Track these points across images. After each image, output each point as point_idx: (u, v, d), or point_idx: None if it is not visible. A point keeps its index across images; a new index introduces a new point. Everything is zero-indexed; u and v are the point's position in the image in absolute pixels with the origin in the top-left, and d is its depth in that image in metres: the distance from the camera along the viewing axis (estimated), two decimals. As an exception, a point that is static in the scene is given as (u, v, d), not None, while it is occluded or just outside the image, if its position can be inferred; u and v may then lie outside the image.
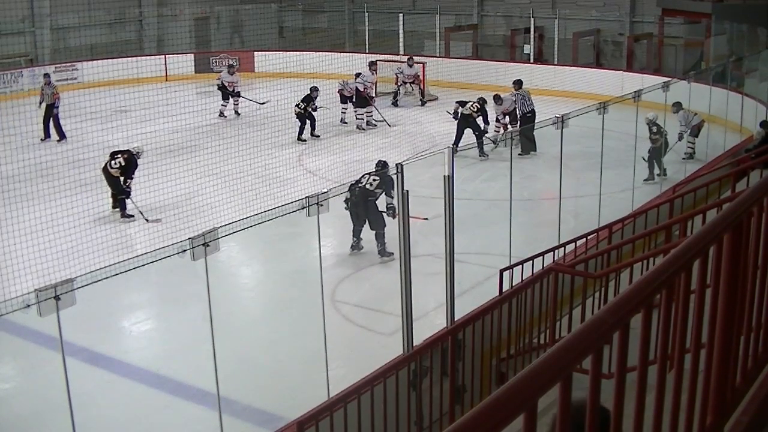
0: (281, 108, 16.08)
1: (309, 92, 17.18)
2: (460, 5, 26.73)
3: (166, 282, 9.47)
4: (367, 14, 25.70)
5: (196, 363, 7.20)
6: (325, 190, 6.22)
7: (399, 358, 6.39)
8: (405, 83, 20.99)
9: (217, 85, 19.67)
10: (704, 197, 7.99)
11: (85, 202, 11.54)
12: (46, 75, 18.35)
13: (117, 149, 12.84)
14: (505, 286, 7.30)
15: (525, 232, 10.21)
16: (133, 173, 12.32)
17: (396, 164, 6.57)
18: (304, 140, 17.11)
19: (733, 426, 2.50)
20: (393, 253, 9.91)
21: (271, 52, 24.50)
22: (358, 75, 18.65)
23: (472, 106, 15.64)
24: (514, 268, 7.41)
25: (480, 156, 15.11)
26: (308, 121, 17.19)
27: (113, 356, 8.34)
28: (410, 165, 7.56)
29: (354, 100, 18.43)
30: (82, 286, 4.89)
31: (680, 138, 14.72)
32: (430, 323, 7.71)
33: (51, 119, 17.25)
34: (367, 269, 10.48)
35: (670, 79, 12.52)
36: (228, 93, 19.47)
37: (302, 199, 6.04)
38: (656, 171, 13.30)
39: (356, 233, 10.75)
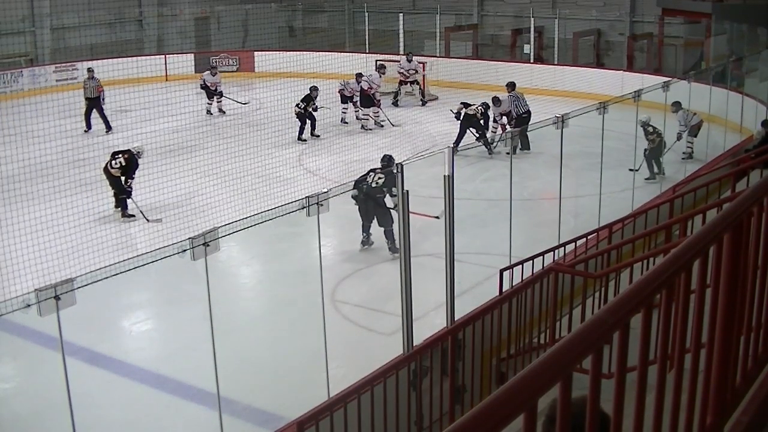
0: (281, 108, 16.08)
1: (309, 92, 17.19)
2: (460, 5, 26.73)
3: (166, 282, 9.46)
4: (367, 14, 25.70)
5: (196, 363, 7.19)
6: (325, 190, 6.22)
7: (399, 358, 6.39)
8: (405, 82, 20.97)
9: (200, 84, 19.94)
10: (704, 197, 7.99)
11: (85, 202, 11.54)
12: (90, 69, 18.75)
13: (117, 149, 12.85)
14: (505, 286, 7.30)
15: (525, 232, 10.20)
16: (134, 173, 12.33)
17: (396, 164, 6.57)
18: (305, 140, 17.11)
19: (733, 426, 2.50)
20: None
21: (271, 52, 24.51)
22: (358, 75, 18.64)
23: (476, 108, 15.83)
24: (514, 268, 7.41)
25: (489, 153, 15.36)
26: (308, 121, 17.20)
27: (113, 356, 8.34)
28: (410, 165, 7.57)
29: (357, 99, 18.43)
30: (82, 286, 4.89)
31: (679, 138, 14.74)
32: (430, 323, 7.71)
33: (93, 112, 18.07)
34: (367, 269, 10.48)
35: (670, 79, 12.52)
36: (211, 92, 19.81)
37: (302, 199, 6.04)
38: (655, 170, 13.36)
39: (365, 229, 10.81)
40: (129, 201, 12.28)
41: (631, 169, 13.04)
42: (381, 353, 6.89)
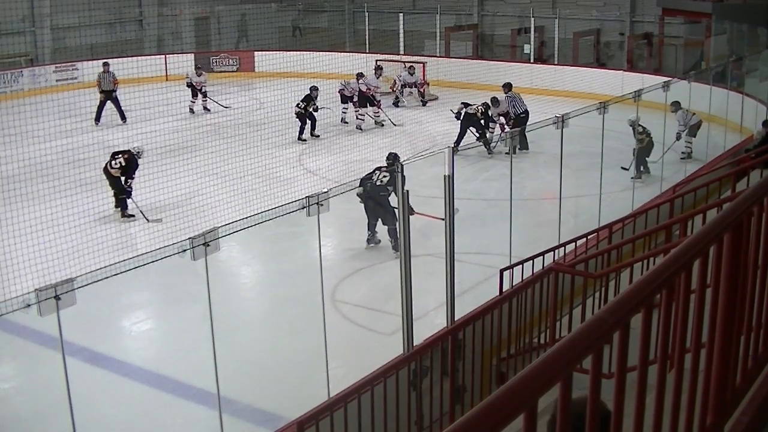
0: (281, 108, 16.08)
1: (309, 92, 17.20)
2: (460, 5, 26.73)
3: (166, 282, 9.47)
4: (367, 14, 25.70)
5: (196, 363, 7.20)
6: (325, 190, 6.21)
7: (399, 358, 6.39)
8: (405, 86, 21.00)
9: (186, 83, 20.08)
10: (704, 197, 7.99)
11: (85, 202, 11.55)
12: (105, 63, 19.42)
13: (117, 149, 12.85)
14: (505, 286, 7.30)
15: (525, 232, 10.20)
16: (134, 173, 12.33)
17: (396, 164, 6.57)
18: (305, 140, 17.11)
19: (733, 426, 2.50)
20: None
21: (271, 52, 24.51)
22: (359, 75, 18.67)
23: (476, 107, 15.86)
24: (514, 268, 7.40)
25: (488, 153, 15.39)
26: (308, 121, 17.20)
27: (113, 356, 8.34)
28: (411, 165, 7.56)
29: (356, 100, 18.45)
30: (82, 286, 4.89)
31: (678, 138, 14.75)
32: (430, 323, 7.71)
33: (107, 104, 18.80)
34: (367, 269, 10.49)
35: (670, 79, 12.52)
36: (197, 90, 20.02)
37: (302, 198, 6.03)
38: (641, 169, 13.39)
39: (371, 227, 10.84)
40: (129, 201, 12.27)
41: (623, 167, 13.19)
42: (381, 353, 6.88)
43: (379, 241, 10.91)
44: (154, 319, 9.61)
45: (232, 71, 25.11)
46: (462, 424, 1.42)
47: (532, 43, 23.56)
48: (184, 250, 5.39)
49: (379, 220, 10.74)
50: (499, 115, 16.40)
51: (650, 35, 23.64)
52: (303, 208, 5.99)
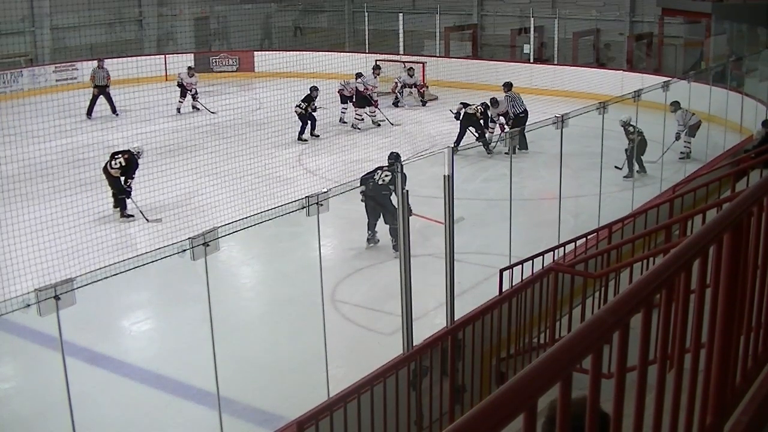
0: (281, 108, 16.08)
1: (309, 92, 17.20)
2: (460, 5, 26.72)
3: (166, 282, 9.47)
4: (367, 14, 25.69)
5: (196, 363, 7.19)
6: (325, 190, 6.21)
7: (399, 358, 6.39)
8: (405, 86, 21.01)
9: (177, 82, 20.13)
10: (704, 197, 7.99)
11: (85, 202, 11.54)
12: (100, 59, 20.30)
13: (117, 149, 12.84)
14: (505, 286, 7.30)
15: (525, 232, 10.20)
16: (134, 173, 12.33)
17: (396, 164, 6.57)
18: (305, 140, 17.12)
19: (733, 426, 2.50)
20: None
21: (271, 52, 24.50)
22: (358, 75, 18.68)
23: (476, 108, 15.87)
24: (514, 268, 7.40)
25: (487, 153, 15.38)
26: (309, 121, 17.20)
27: (113, 356, 8.34)
28: (410, 165, 7.57)
29: (354, 99, 18.46)
30: (82, 286, 4.89)
31: (677, 138, 14.76)
32: (430, 323, 7.71)
33: (99, 98, 19.60)
34: (367, 269, 10.49)
35: (670, 79, 12.52)
36: (186, 91, 20.06)
37: (302, 198, 6.03)
38: (636, 168, 13.40)
39: (371, 227, 10.84)
40: (128, 201, 12.27)
41: (617, 167, 13.27)
42: (381, 353, 6.89)
43: (379, 240, 10.91)
44: (154, 319, 9.61)
45: (232, 71, 25.11)
46: (462, 424, 1.42)
47: (531, 43, 23.56)
48: (184, 250, 5.39)
49: (380, 219, 10.73)
50: (499, 115, 16.42)
51: (650, 35, 23.64)
52: (303, 208, 5.99)
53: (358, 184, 9.83)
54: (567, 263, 6.92)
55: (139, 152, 12.59)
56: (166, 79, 22.79)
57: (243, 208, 10.06)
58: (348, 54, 23.49)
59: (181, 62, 22.11)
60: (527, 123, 15.14)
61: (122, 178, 12.27)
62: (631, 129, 13.41)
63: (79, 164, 13.46)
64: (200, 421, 7.08)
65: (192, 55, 24.62)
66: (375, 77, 19.07)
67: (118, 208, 12.32)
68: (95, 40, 23.34)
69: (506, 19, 25.89)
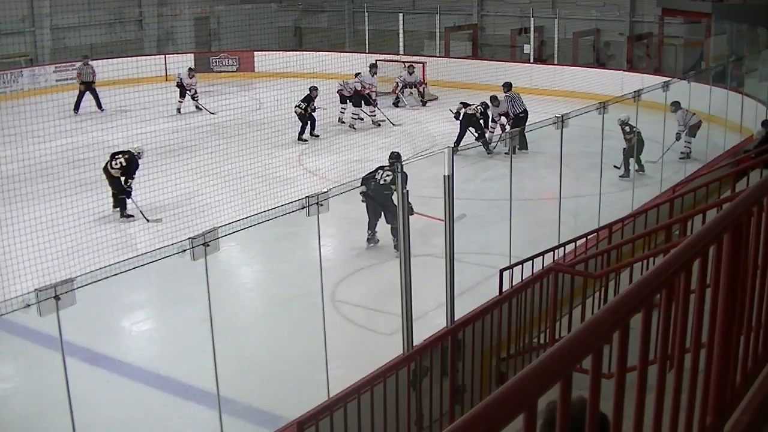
0: (281, 108, 16.08)
1: (309, 92, 17.19)
2: (460, 5, 26.72)
3: (166, 282, 9.46)
4: (367, 14, 25.68)
5: (196, 363, 7.19)
6: (325, 190, 6.21)
7: (399, 358, 6.39)
8: (406, 87, 21.01)
9: (176, 83, 20.13)
10: (704, 197, 7.99)
11: (85, 202, 11.54)
12: (86, 57, 20.86)
13: (117, 149, 12.84)
14: (505, 286, 7.30)
15: (525, 232, 10.20)
16: (134, 173, 12.32)
17: (396, 164, 6.57)
18: (305, 140, 17.12)
19: (733, 426, 2.50)
20: None
21: (271, 52, 24.50)
22: (357, 75, 18.68)
23: (475, 108, 15.86)
24: (514, 268, 7.41)
25: (487, 153, 15.39)
26: (308, 121, 17.20)
27: (113, 356, 8.34)
28: (410, 165, 7.56)
29: (352, 99, 18.46)
30: (82, 286, 4.89)
31: (678, 138, 14.76)
32: (430, 323, 7.70)
33: (86, 94, 20.12)
34: (368, 269, 10.49)
35: (670, 79, 12.52)
36: (185, 91, 20.07)
37: (302, 198, 6.03)
38: (633, 167, 13.41)
39: (371, 226, 10.84)
40: (128, 201, 12.27)
41: (615, 166, 13.34)
42: (381, 353, 6.88)
43: (379, 240, 10.91)
44: (154, 319, 9.61)
45: (232, 71, 25.10)
46: (462, 424, 1.42)
47: (531, 43, 23.55)
48: (184, 250, 5.39)
49: (381, 219, 10.73)
50: (500, 115, 16.42)
51: (650, 35, 23.64)
52: (303, 208, 5.99)
53: (360, 184, 9.84)
54: (567, 263, 6.92)
55: (139, 152, 12.59)
56: (166, 79, 22.78)
57: (243, 208, 10.08)
58: (348, 54, 23.49)
59: (181, 62, 22.12)
60: (527, 123, 15.14)
61: (122, 179, 12.27)
62: (628, 129, 13.42)
63: (79, 164, 13.46)
64: (200, 421, 7.08)
65: (192, 55, 24.61)
66: (372, 75, 19.08)
67: (118, 208, 12.32)
68: (95, 40, 23.31)
69: (506, 19, 25.88)
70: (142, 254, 5.45)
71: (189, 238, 5.47)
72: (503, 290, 7.23)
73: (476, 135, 15.79)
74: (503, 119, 16.42)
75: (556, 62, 23.11)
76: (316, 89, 17.26)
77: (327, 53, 23.10)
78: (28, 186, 12.55)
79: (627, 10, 24.40)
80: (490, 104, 16.22)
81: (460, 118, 16.01)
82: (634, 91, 10.72)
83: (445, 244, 6.87)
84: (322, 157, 15.93)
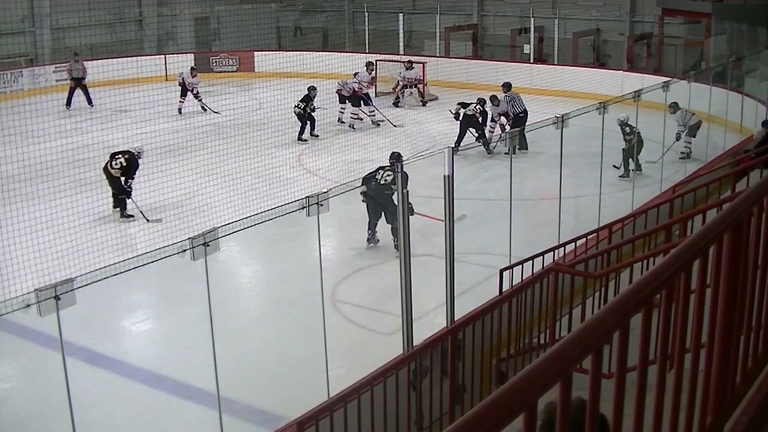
0: (281, 108, 16.08)
1: (307, 92, 17.19)
2: (460, 5, 26.73)
3: (166, 282, 9.46)
4: (367, 14, 25.69)
5: (196, 363, 7.20)
6: (325, 190, 6.21)
7: (399, 358, 6.39)
8: (406, 86, 21.02)
9: (179, 82, 20.12)
10: (704, 197, 7.99)
11: (85, 202, 11.54)
12: (76, 54, 21.23)
13: (117, 150, 12.84)
14: (505, 286, 7.30)
15: (525, 232, 10.20)
16: (135, 173, 12.32)
17: (396, 164, 6.57)
18: (305, 140, 17.11)
19: (733, 426, 2.50)
20: None
21: (271, 52, 24.49)
22: (356, 75, 18.69)
23: (474, 107, 15.85)
24: (514, 268, 7.40)
25: (488, 153, 15.37)
26: (308, 121, 17.20)
27: (113, 356, 8.34)
28: (410, 165, 7.56)
29: (350, 99, 18.48)
30: (82, 286, 4.89)
31: (677, 138, 14.77)
32: (430, 323, 7.71)
33: (76, 90, 20.61)
34: (368, 269, 10.49)
35: (669, 79, 12.52)
36: (187, 90, 20.03)
37: (302, 199, 6.03)
38: (632, 167, 13.42)
39: (371, 226, 10.84)
40: (128, 201, 12.27)
41: (614, 166, 13.33)
42: (381, 353, 6.88)
43: (379, 240, 10.91)
44: (154, 319, 9.61)
45: (232, 71, 25.10)
46: (462, 424, 1.42)
47: (531, 43, 23.55)
48: (184, 250, 5.39)
49: (381, 219, 10.73)
50: (500, 115, 16.42)
51: (650, 35, 23.64)
52: (303, 208, 5.99)
53: (360, 184, 9.84)
54: (567, 263, 6.92)
55: (139, 152, 12.59)
56: (167, 79, 22.79)
57: (243, 208, 10.06)
58: (348, 54, 23.49)
59: (181, 62, 22.11)
60: (527, 123, 15.13)
61: (122, 179, 12.27)
62: (627, 129, 13.42)
63: (79, 164, 13.46)
64: (200, 421, 7.08)
65: (192, 55, 24.60)
66: (369, 74, 19.07)
67: (118, 209, 12.32)
68: (95, 40, 23.32)
69: (506, 19, 25.88)
70: (142, 254, 5.45)
71: (189, 238, 5.47)
72: (503, 290, 7.23)
73: (476, 135, 15.78)
74: (503, 119, 16.43)
75: (555, 62, 23.12)
76: (315, 89, 17.25)
77: (327, 53, 23.10)
78: (28, 186, 12.55)
79: (627, 10, 24.41)
80: (490, 104, 16.22)
81: (460, 119, 16.01)
82: (634, 91, 10.72)
83: (445, 244, 6.87)
84: (322, 157, 15.93)
